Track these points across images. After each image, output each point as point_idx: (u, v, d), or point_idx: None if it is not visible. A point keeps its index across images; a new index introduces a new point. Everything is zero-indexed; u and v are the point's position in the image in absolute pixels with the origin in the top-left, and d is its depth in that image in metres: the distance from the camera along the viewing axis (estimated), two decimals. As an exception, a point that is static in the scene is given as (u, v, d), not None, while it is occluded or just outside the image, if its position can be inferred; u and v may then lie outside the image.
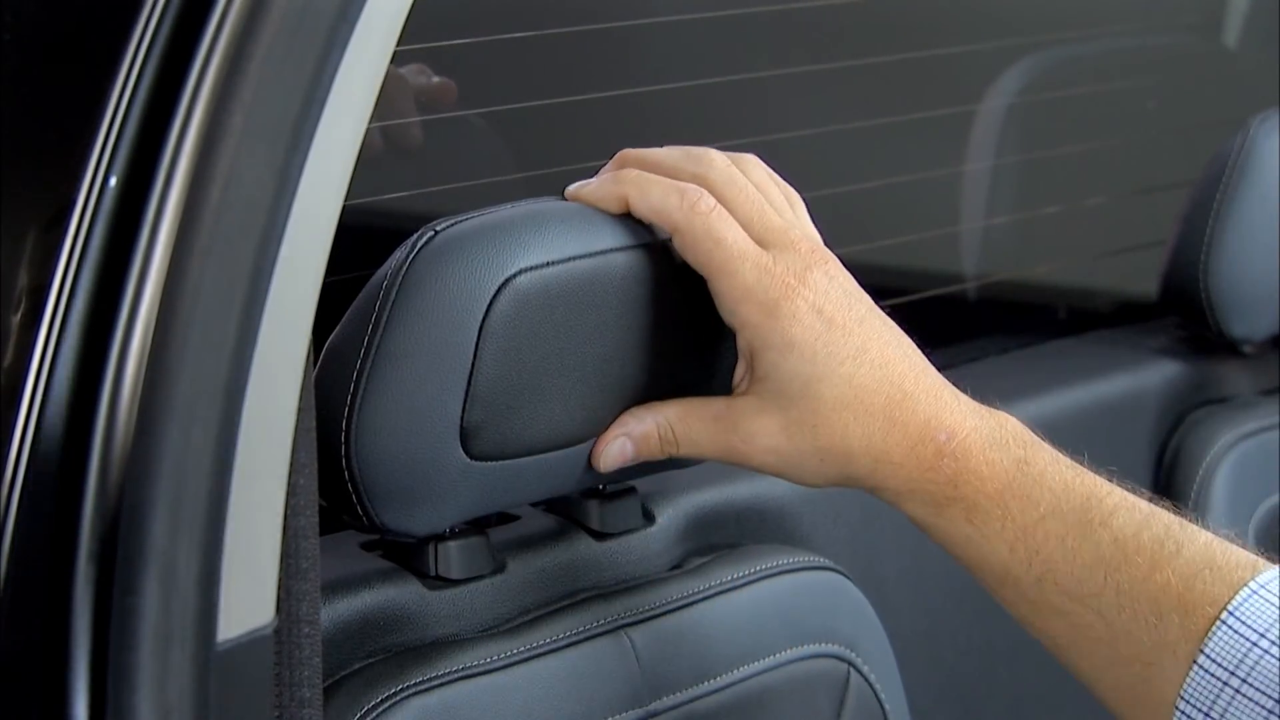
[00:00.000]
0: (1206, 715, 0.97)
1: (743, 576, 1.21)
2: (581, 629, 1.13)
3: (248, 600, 0.83)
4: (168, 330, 0.79)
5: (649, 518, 1.22)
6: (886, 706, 1.26)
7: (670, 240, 1.06)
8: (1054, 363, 1.74)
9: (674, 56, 1.64)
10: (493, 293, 1.01)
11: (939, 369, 1.07)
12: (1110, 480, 1.04)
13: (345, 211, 0.86)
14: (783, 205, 1.08)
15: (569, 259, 1.04)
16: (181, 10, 0.82)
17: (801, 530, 1.36)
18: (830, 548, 1.36)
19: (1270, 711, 0.95)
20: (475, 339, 1.01)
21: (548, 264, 1.03)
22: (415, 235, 1.03)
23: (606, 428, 1.08)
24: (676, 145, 1.10)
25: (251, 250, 0.81)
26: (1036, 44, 1.96)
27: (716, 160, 1.07)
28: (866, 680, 1.25)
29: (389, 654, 1.07)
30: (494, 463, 1.05)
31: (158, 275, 0.80)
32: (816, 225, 1.09)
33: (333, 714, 1.03)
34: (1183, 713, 0.98)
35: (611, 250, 1.06)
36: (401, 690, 1.05)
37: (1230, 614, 0.97)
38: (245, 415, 0.81)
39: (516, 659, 1.09)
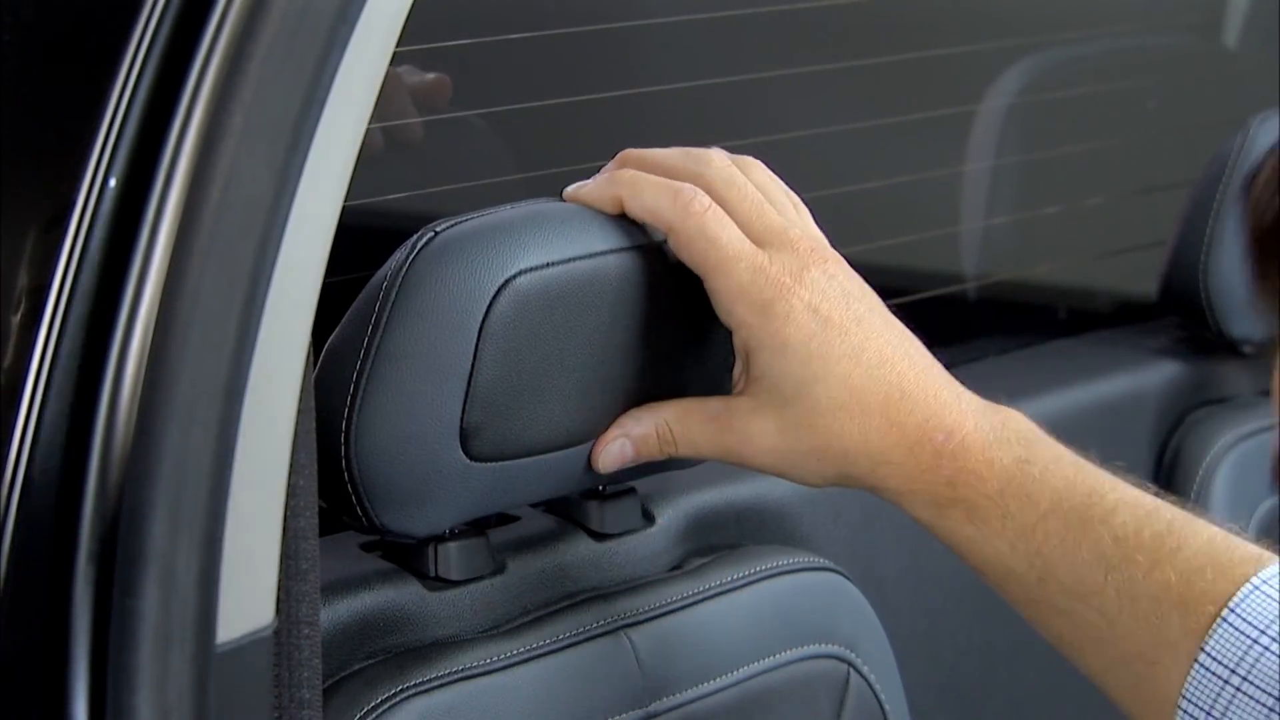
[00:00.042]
0: (1208, 715, 0.96)
1: (743, 577, 1.21)
2: (581, 630, 1.13)
3: (247, 601, 0.83)
4: (168, 331, 0.79)
5: (649, 518, 1.22)
6: (886, 707, 1.26)
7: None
8: (1054, 363, 1.74)
9: (674, 57, 1.64)
10: (492, 294, 1.01)
11: (939, 369, 1.07)
12: (1117, 475, 1.03)
13: (345, 211, 0.86)
14: (785, 206, 1.07)
15: (569, 260, 1.04)
16: (181, 10, 0.82)
17: (801, 530, 1.36)
18: (830, 548, 1.36)
19: (1271, 710, 0.95)
20: (475, 340, 1.01)
21: (548, 265, 1.03)
22: (415, 236, 1.03)
23: (606, 428, 1.08)
24: (677, 146, 1.10)
25: (251, 250, 0.81)
26: (1036, 44, 1.96)
27: (715, 160, 1.07)
28: (866, 681, 1.25)
29: (389, 655, 1.07)
30: (494, 464, 1.04)
31: (158, 276, 0.80)
32: (818, 226, 1.09)
33: (332, 715, 1.03)
34: (1185, 712, 0.97)
35: (612, 251, 1.06)
36: (401, 691, 1.04)
37: (1231, 611, 0.97)
38: (245, 416, 0.81)
39: (516, 660, 1.09)
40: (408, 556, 1.11)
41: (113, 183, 0.81)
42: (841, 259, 1.07)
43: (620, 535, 1.20)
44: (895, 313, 1.07)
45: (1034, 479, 1.02)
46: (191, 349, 0.79)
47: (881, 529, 1.43)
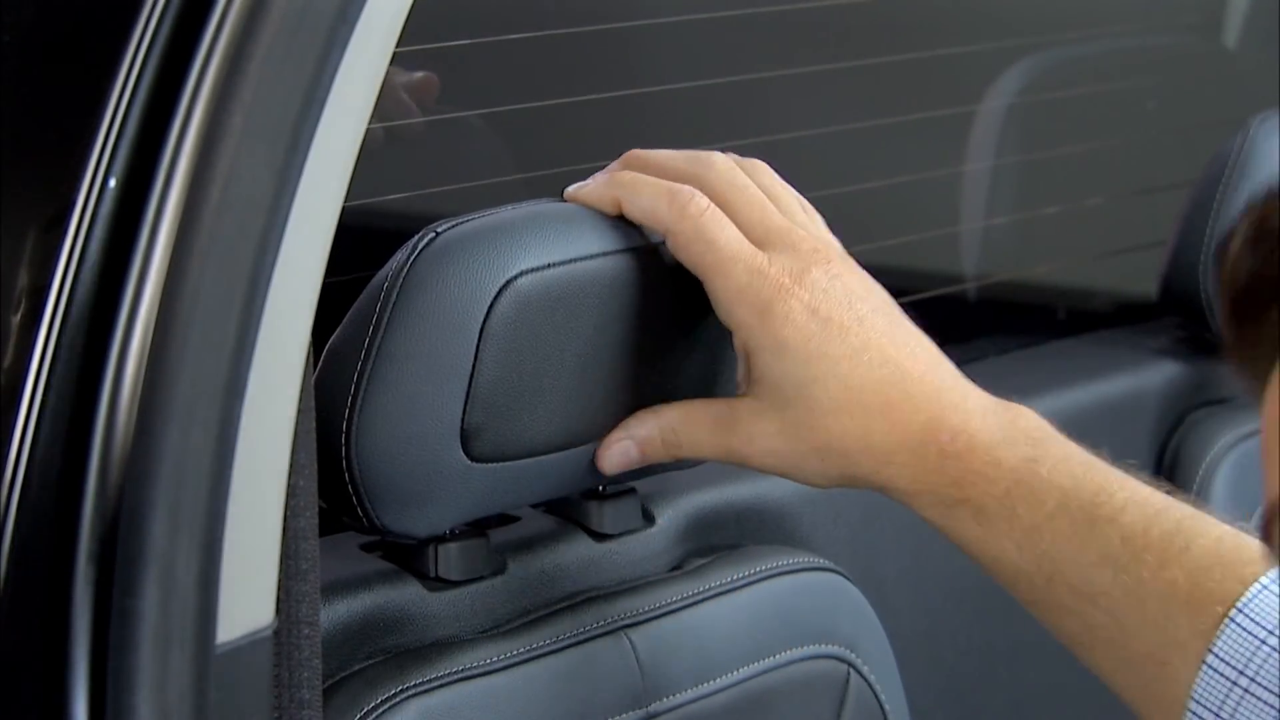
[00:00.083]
0: (1217, 716, 0.95)
1: (743, 577, 1.21)
2: (581, 630, 1.13)
3: (247, 601, 0.83)
4: (168, 331, 0.79)
5: (649, 519, 1.22)
6: (886, 707, 1.26)
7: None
8: (1054, 363, 1.74)
9: (674, 57, 1.64)
10: (494, 294, 1.01)
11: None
12: (1129, 473, 1.02)
13: (345, 212, 0.86)
14: (792, 209, 1.07)
15: (570, 261, 1.04)
16: (181, 10, 0.82)
17: (801, 531, 1.36)
18: (830, 548, 1.36)
19: (1278, 712, 0.94)
20: (476, 341, 1.01)
21: (549, 266, 1.03)
22: (416, 237, 1.03)
23: (608, 429, 1.08)
24: (676, 146, 1.09)
25: (251, 251, 0.81)
26: (1036, 44, 1.95)
27: (718, 163, 1.06)
28: (866, 681, 1.25)
29: (389, 655, 1.07)
30: (494, 464, 1.04)
31: (157, 276, 0.80)
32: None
33: (332, 715, 1.02)
34: (1194, 714, 0.96)
35: (613, 252, 1.05)
36: (401, 691, 1.04)
37: (1239, 611, 0.96)
38: (245, 416, 0.81)
39: (516, 660, 1.09)
40: (408, 557, 1.11)
41: (113, 183, 0.81)
42: (849, 260, 1.06)
43: (620, 535, 1.20)
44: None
45: (1041, 479, 1.01)
46: (191, 349, 0.79)
47: (881, 529, 1.43)
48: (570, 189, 1.08)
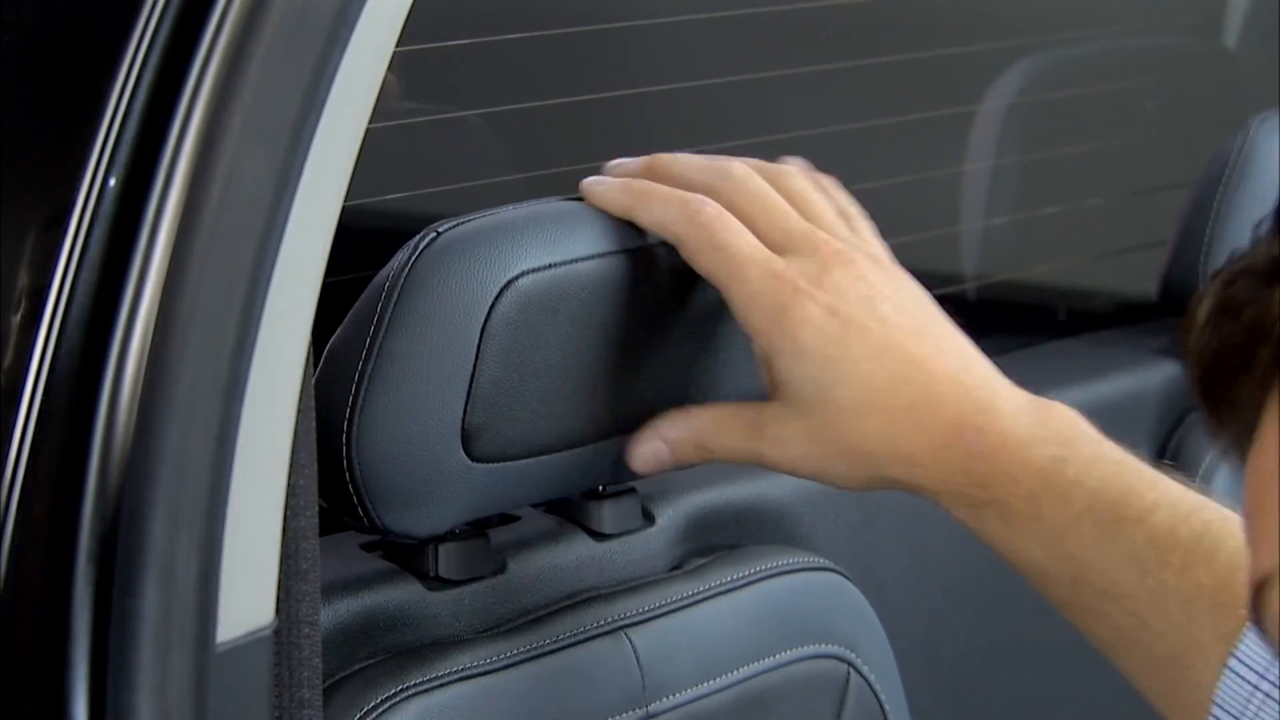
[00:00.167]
0: None
1: (743, 577, 1.21)
2: (581, 630, 1.13)
3: (247, 601, 0.83)
4: (168, 331, 0.79)
5: (649, 518, 1.22)
6: (886, 707, 1.26)
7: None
8: (1054, 363, 1.74)
9: (675, 57, 1.64)
10: (495, 294, 1.01)
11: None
12: (1163, 473, 1.00)
13: (345, 212, 0.86)
14: (818, 212, 1.05)
15: (572, 260, 1.04)
16: (181, 10, 0.82)
17: (801, 530, 1.36)
18: (830, 548, 1.36)
19: None
20: (477, 341, 1.01)
21: (550, 265, 1.03)
22: (418, 236, 1.03)
23: (609, 429, 1.08)
24: (676, 147, 1.09)
25: (251, 251, 0.81)
26: (1036, 45, 1.96)
27: (734, 169, 1.05)
28: (866, 681, 1.24)
29: (389, 655, 1.07)
30: (495, 464, 1.04)
31: (157, 276, 0.80)
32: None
33: (332, 715, 1.02)
34: (1216, 718, 0.93)
35: (615, 252, 1.05)
36: (401, 691, 1.04)
37: None
38: (245, 416, 0.81)
39: (516, 660, 1.09)
40: (408, 556, 1.11)
41: (113, 183, 0.81)
42: (880, 260, 1.04)
43: (620, 535, 1.20)
44: None
45: (1068, 479, 0.99)
46: (191, 349, 0.79)
47: (881, 529, 1.43)
48: (587, 181, 1.07)
